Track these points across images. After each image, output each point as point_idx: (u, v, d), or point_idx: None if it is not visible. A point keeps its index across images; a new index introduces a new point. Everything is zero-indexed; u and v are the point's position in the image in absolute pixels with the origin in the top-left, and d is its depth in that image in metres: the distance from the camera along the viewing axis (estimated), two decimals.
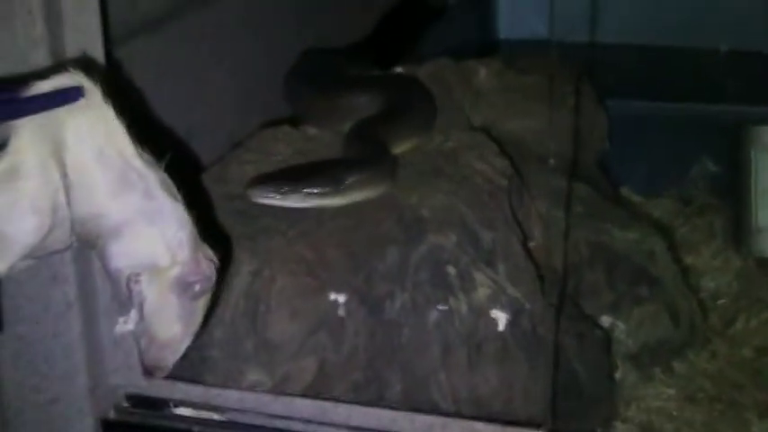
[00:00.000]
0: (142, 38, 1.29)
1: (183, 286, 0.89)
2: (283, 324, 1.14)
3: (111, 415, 1.11)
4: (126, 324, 0.90)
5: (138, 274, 0.88)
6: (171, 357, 0.92)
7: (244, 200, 1.19)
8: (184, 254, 0.88)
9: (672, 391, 1.31)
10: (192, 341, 0.94)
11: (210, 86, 1.48)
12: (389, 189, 1.21)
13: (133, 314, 0.89)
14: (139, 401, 1.11)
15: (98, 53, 1.02)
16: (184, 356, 1.07)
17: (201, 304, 0.91)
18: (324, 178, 1.18)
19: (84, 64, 0.92)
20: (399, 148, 1.26)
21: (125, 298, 0.89)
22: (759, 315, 1.42)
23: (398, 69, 1.45)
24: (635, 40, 1.84)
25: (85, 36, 1.02)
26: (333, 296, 1.14)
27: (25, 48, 0.97)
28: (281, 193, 1.16)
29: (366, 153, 1.24)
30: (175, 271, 0.88)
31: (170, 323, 0.90)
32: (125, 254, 0.88)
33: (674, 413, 1.28)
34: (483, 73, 1.46)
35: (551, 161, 1.33)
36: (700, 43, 1.90)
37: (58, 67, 0.88)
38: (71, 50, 0.99)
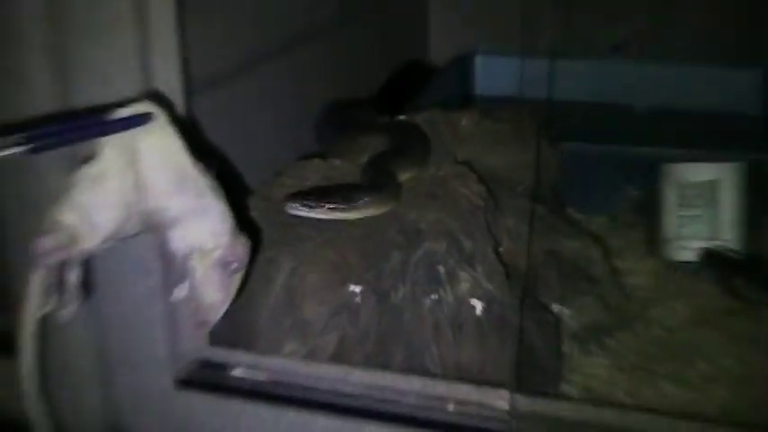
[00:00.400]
0: (209, 92, 1.29)
1: (223, 265, 0.91)
2: (313, 308, 1.13)
3: (184, 375, 1.11)
4: (180, 292, 0.93)
5: (189, 255, 0.90)
6: (212, 318, 0.94)
7: (283, 214, 1.18)
8: (225, 240, 0.90)
9: (604, 362, 1.30)
10: (229, 306, 0.97)
11: (261, 128, 1.48)
12: (395, 207, 1.20)
13: (186, 285, 0.91)
14: (204, 365, 1.11)
15: (179, 101, 1.03)
16: (239, 331, 1.08)
17: (237, 279, 0.94)
18: (342, 197, 1.18)
19: (158, 99, 0.94)
20: (404, 176, 1.26)
21: (179, 273, 0.91)
22: (668, 303, 1.42)
23: (401, 117, 1.45)
24: (581, 99, 1.85)
25: (171, 89, 1.02)
26: (351, 288, 1.14)
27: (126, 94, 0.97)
28: (309, 207, 1.16)
29: (377, 179, 1.24)
30: (218, 253, 0.90)
31: (213, 292, 0.92)
32: (181, 239, 0.89)
33: (606, 378, 1.28)
34: (464, 120, 1.46)
35: (519, 188, 1.33)
36: (627, 101, 1.91)
37: (138, 98, 0.91)
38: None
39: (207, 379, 1.11)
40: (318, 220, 1.18)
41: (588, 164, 1.57)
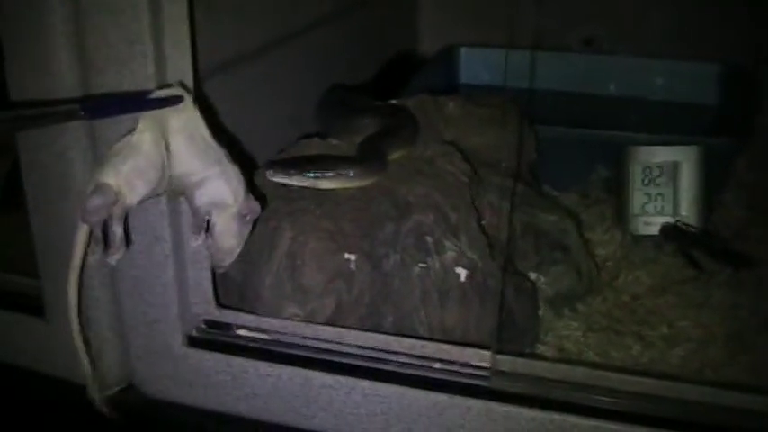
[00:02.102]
0: (219, 76, 1.27)
1: (239, 217, 0.97)
2: (312, 274, 1.11)
3: (194, 333, 1.09)
4: (197, 241, 0.98)
5: (210, 210, 0.96)
6: (228, 259, 1.00)
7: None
8: (241, 197, 0.97)
9: (576, 324, 1.29)
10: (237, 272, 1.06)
11: (266, 109, 1.45)
12: (378, 180, 1.17)
13: (203, 235, 0.97)
14: (213, 324, 1.10)
15: (190, 85, 1.01)
16: (244, 295, 1.07)
17: (248, 228, 1.00)
18: (323, 167, 1.14)
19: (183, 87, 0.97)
20: (395, 155, 1.23)
21: (200, 224, 0.97)
22: (633, 272, 1.40)
23: (393, 101, 1.42)
24: (557, 88, 1.84)
25: (182, 74, 1.00)
26: (347, 255, 1.11)
27: (141, 82, 0.97)
28: (288, 175, 1.12)
29: (364, 155, 1.20)
30: (235, 207, 0.96)
31: (230, 239, 0.98)
32: (204, 196, 0.96)
33: (578, 339, 1.26)
34: (451, 105, 1.44)
35: (501, 166, 1.31)
36: (599, 90, 1.89)
37: (168, 85, 0.96)
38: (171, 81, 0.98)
39: (215, 338, 1.10)
40: (317, 191, 1.15)
41: (563, 146, 1.55)
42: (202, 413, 1.10)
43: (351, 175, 1.15)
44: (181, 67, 1.00)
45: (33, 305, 1.14)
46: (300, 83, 1.54)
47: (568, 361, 1.18)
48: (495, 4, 1.74)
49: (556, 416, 0.97)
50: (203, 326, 1.10)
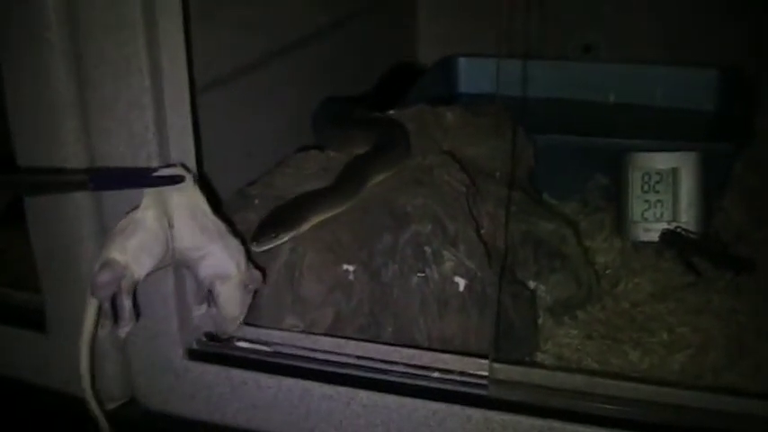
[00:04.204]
0: (215, 90, 1.27)
1: (243, 286, 1.00)
2: (311, 285, 1.11)
3: (194, 346, 1.10)
4: (199, 310, 1.04)
5: (214, 281, 0.99)
6: (232, 327, 1.03)
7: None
8: (243, 267, 0.99)
9: (575, 332, 1.28)
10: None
11: (264, 121, 1.45)
12: (349, 206, 1.16)
13: (204, 306, 1.03)
14: (213, 337, 1.10)
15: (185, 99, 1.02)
16: None
17: (250, 297, 1.03)
18: (284, 224, 1.11)
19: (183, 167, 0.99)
20: (377, 179, 1.22)
21: (204, 294, 1.01)
22: (633, 280, 1.40)
23: (391, 112, 1.42)
24: (555, 95, 1.85)
25: (178, 87, 1.00)
26: (345, 266, 1.11)
27: (137, 96, 0.98)
28: (272, 239, 1.09)
29: (337, 181, 1.20)
30: (238, 278, 0.99)
31: (234, 308, 1.01)
32: (208, 268, 0.98)
33: (578, 347, 1.25)
34: (449, 115, 1.44)
35: (497, 175, 1.31)
36: (598, 97, 1.89)
37: (170, 165, 0.98)
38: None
39: (215, 350, 1.09)
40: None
41: (561, 154, 1.54)
42: (203, 426, 1.10)
43: (326, 207, 1.15)
44: (177, 80, 1.00)
45: (34, 320, 1.14)
46: (299, 94, 1.54)
47: (567, 369, 1.17)
48: (492, 14, 1.74)
49: (555, 424, 0.96)
50: (203, 338, 1.10)
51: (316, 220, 1.13)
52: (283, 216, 1.13)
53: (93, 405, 1.01)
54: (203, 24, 1.14)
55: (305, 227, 1.12)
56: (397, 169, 1.25)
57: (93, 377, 1.01)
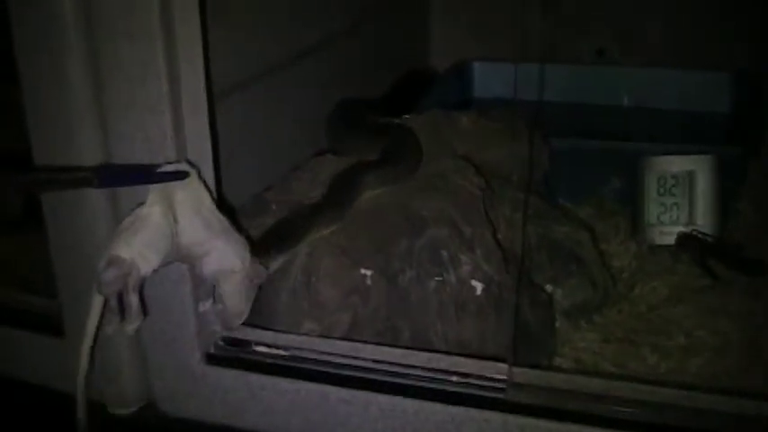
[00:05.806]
0: (232, 95, 1.27)
1: (246, 282, 0.99)
2: (328, 290, 1.11)
3: (212, 350, 1.09)
4: (204, 305, 1.03)
5: (218, 276, 0.99)
6: (237, 322, 1.02)
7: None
8: (247, 263, 0.99)
9: (593, 336, 1.28)
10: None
11: (280, 126, 1.46)
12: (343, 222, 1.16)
13: (209, 301, 1.02)
14: (230, 341, 1.10)
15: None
16: (261, 312, 1.07)
17: (255, 291, 1.02)
18: (290, 236, 1.12)
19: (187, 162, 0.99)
20: (371, 193, 1.21)
21: (208, 289, 1.01)
22: (649, 283, 1.40)
23: (406, 116, 1.42)
24: (570, 99, 1.85)
25: (196, 92, 1.01)
26: (362, 271, 1.12)
27: (154, 101, 0.98)
28: (276, 258, 1.09)
29: (327, 202, 1.18)
30: (243, 273, 0.99)
31: (239, 303, 1.00)
32: (212, 264, 0.98)
33: (595, 351, 1.25)
34: (464, 120, 1.43)
35: (514, 179, 1.31)
36: (612, 101, 1.89)
37: (178, 161, 0.98)
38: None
39: (232, 355, 1.09)
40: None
41: (576, 157, 1.54)
42: (221, 430, 1.10)
43: (321, 226, 1.14)
44: (194, 85, 1.00)
45: (52, 325, 1.14)
46: (315, 99, 1.54)
47: (585, 372, 1.17)
48: (506, 18, 1.74)
49: (573, 427, 0.96)
50: (221, 343, 1.10)
51: (311, 238, 1.14)
52: (280, 234, 1.13)
53: (81, 403, 1.00)
54: (221, 30, 1.14)
55: (299, 246, 1.13)
56: (399, 184, 1.23)
57: (88, 377, 1.00)
